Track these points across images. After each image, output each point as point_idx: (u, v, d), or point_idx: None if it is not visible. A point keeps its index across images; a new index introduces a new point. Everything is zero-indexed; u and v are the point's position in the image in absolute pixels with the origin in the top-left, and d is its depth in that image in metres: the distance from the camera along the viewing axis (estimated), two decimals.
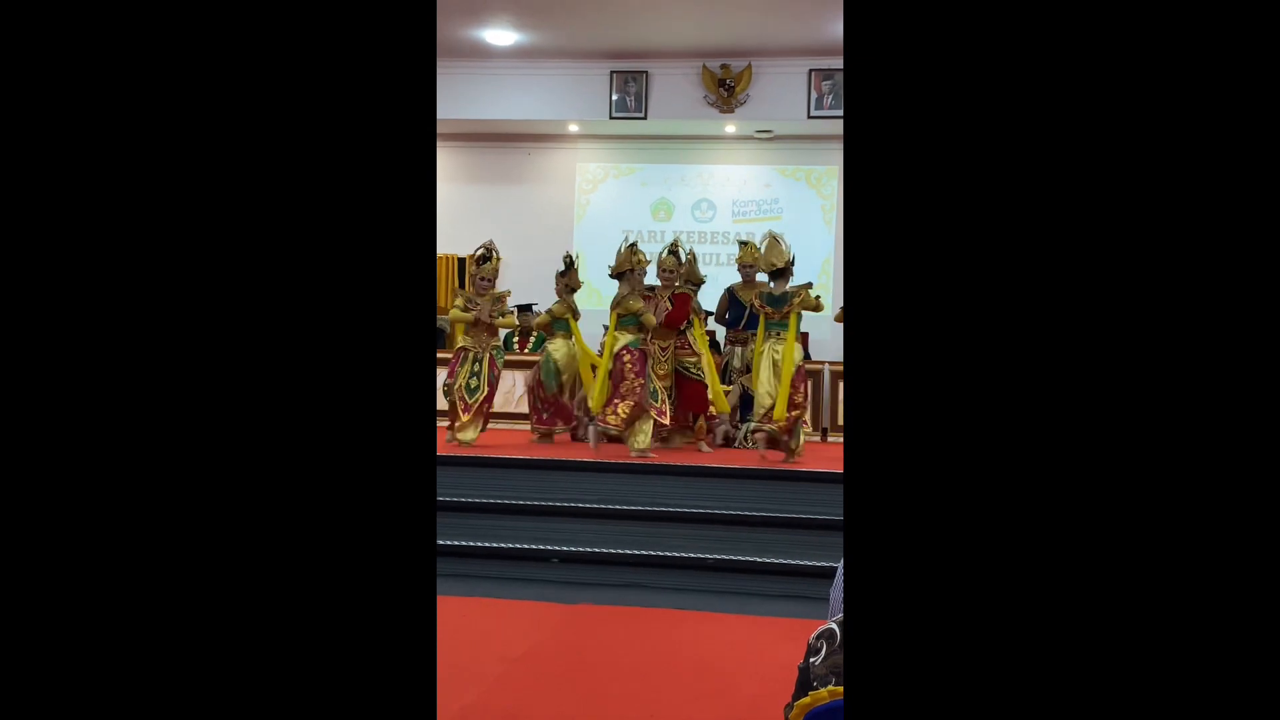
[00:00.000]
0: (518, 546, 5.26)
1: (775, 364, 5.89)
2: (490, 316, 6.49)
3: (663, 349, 6.60)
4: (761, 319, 6.06)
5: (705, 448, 6.50)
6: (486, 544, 5.25)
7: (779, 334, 5.98)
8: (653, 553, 5.19)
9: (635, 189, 10.20)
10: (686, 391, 6.61)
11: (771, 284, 6.11)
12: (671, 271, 6.61)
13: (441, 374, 6.45)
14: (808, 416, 6.14)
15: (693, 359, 6.63)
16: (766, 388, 5.90)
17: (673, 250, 6.72)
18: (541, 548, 5.27)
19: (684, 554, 5.17)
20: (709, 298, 7.81)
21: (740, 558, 5.13)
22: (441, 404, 6.41)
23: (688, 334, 6.63)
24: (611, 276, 6.48)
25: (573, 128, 9.89)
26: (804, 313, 6.09)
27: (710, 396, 6.58)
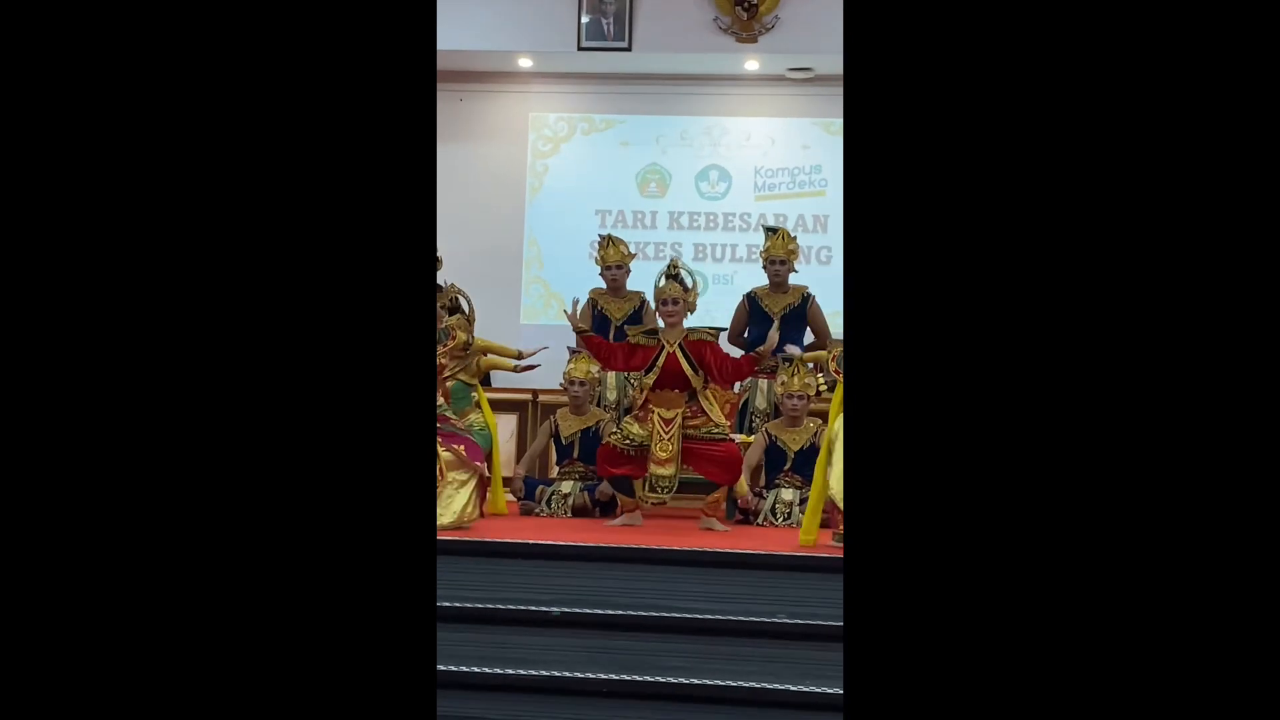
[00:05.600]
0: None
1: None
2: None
3: (666, 421, 5.00)
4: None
5: (718, 525, 5.03)
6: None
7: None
8: (637, 678, 3.87)
9: (614, 151, 8.21)
10: (706, 457, 5.03)
11: None
12: (678, 302, 5.15)
13: None
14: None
15: (711, 426, 5.18)
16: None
17: (673, 274, 5.26)
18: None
19: (685, 680, 3.87)
20: (722, 306, 6.53)
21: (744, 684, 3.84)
22: None
23: (699, 397, 5.20)
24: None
25: (524, 63, 7.99)
26: None
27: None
